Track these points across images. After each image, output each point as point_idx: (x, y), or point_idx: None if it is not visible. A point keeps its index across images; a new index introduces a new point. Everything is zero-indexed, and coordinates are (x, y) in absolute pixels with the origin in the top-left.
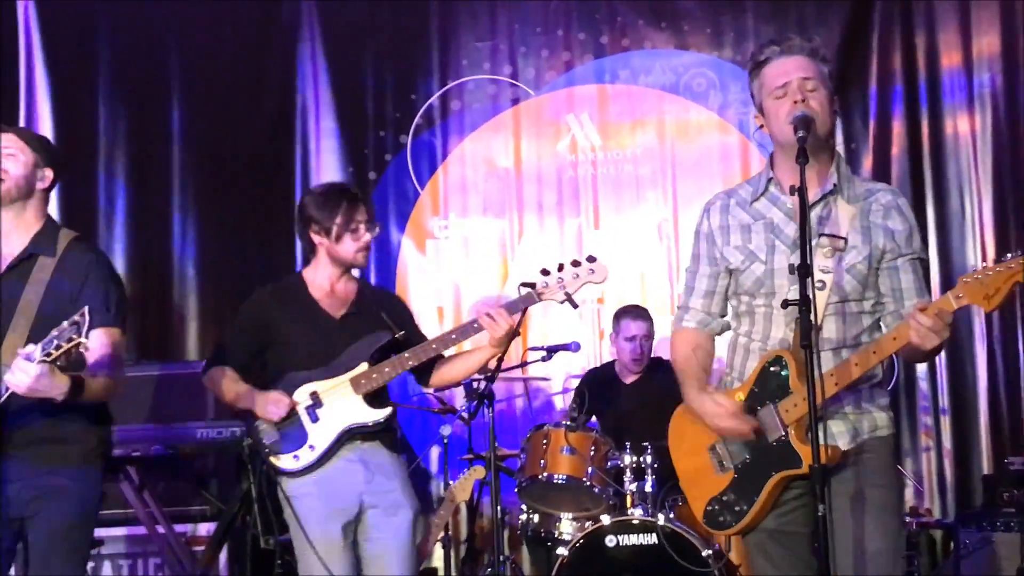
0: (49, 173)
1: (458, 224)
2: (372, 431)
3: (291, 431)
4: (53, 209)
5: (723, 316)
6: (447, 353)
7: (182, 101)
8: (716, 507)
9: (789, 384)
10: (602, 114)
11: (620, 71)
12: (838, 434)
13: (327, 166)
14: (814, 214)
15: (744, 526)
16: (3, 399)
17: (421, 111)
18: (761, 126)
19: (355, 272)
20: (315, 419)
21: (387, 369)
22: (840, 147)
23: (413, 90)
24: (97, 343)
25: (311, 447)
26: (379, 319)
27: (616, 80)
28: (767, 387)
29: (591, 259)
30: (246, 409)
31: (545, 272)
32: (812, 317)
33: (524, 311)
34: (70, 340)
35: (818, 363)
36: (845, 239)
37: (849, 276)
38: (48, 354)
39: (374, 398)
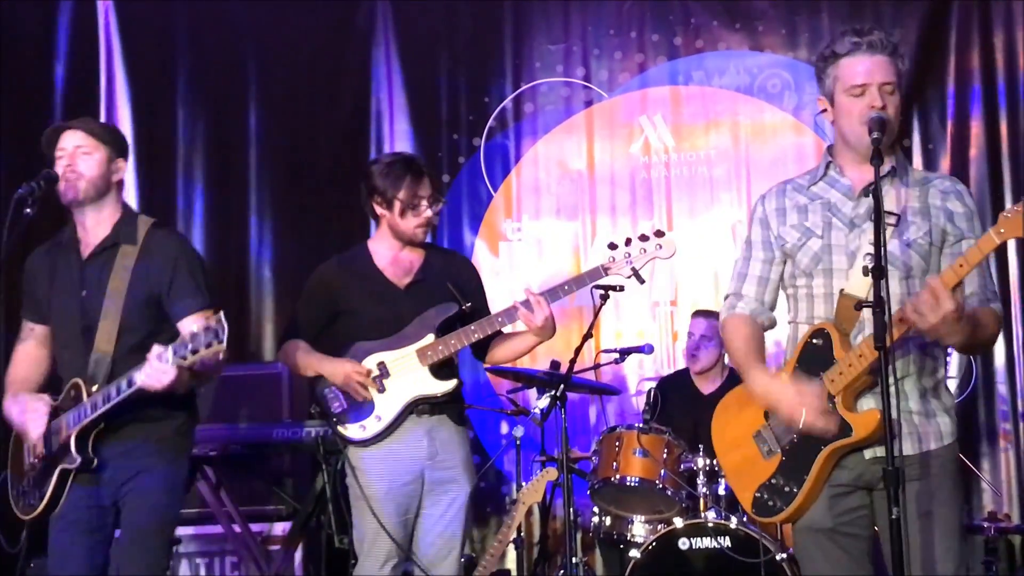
0: (122, 163)
1: (531, 226)
2: (439, 402)
3: (358, 400)
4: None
5: (772, 309)
6: (507, 329)
7: (259, 105)
8: (764, 494)
9: (833, 355)
10: (676, 116)
11: (694, 72)
12: (905, 435)
13: None
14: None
15: (796, 508)
16: (128, 393)
17: (494, 114)
18: (824, 110)
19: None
20: (382, 389)
21: (453, 341)
22: (918, 148)
23: (486, 93)
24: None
25: (378, 417)
26: (444, 288)
27: (690, 81)
28: (811, 361)
29: (659, 233)
30: (317, 375)
31: (612, 246)
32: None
33: (597, 312)
34: (209, 345)
35: (885, 362)
36: (898, 215)
37: (911, 251)
38: (184, 357)
39: (440, 369)
